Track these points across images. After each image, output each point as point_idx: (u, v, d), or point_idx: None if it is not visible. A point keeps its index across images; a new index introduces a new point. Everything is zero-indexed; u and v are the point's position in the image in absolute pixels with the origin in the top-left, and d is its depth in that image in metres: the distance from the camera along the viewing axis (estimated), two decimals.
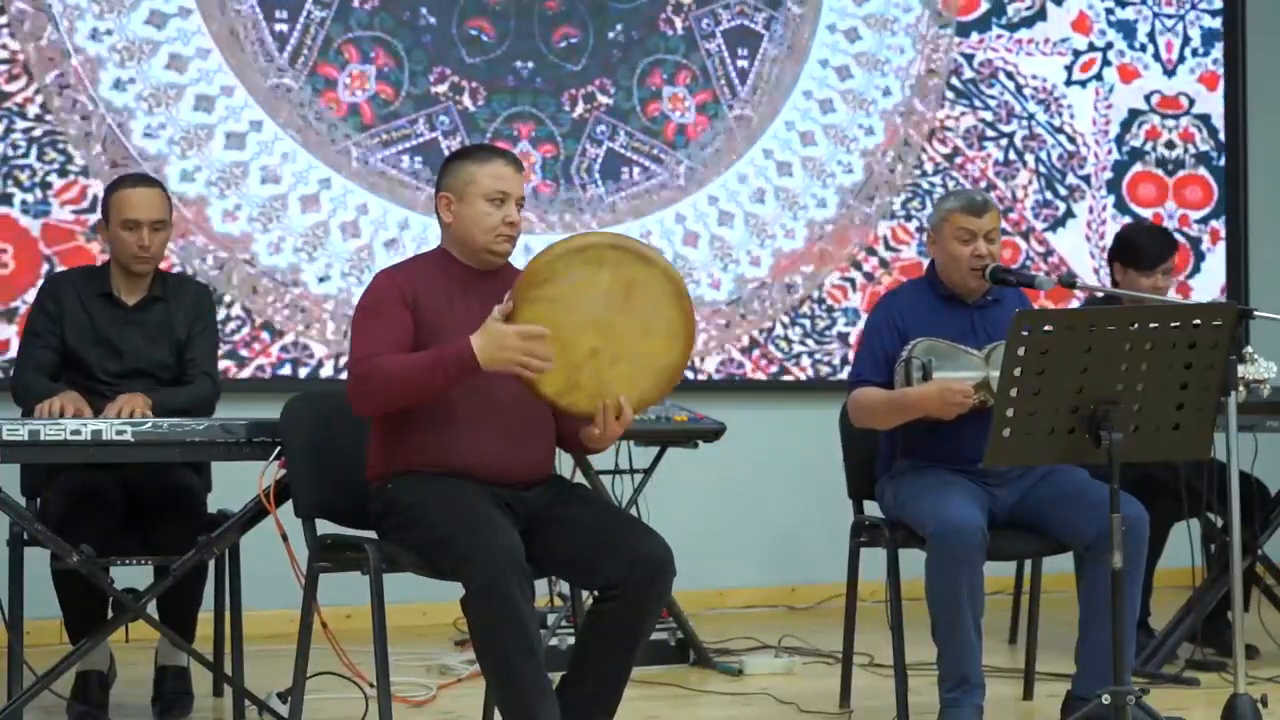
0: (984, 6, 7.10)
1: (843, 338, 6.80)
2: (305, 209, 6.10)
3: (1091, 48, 7.29)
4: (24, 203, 5.77)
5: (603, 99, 6.49)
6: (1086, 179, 7.24)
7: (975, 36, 7.08)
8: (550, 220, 6.40)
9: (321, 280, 6.10)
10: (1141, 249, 5.12)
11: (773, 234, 6.75)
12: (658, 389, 3.56)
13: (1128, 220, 7.18)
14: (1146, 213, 7.30)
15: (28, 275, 5.71)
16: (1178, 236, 6.88)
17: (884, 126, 6.93)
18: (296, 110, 6.08)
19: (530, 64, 6.41)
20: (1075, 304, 6.52)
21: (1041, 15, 7.20)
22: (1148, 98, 7.37)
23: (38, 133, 5.77)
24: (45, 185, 5.78)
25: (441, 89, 6.29)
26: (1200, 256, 7.45)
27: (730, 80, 6.69)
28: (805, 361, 6.76)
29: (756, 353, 6.70)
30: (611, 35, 6.53)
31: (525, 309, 3.44)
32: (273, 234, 6.06)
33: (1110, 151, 7.29)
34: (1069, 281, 4.28)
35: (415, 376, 3.47)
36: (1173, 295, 7.12)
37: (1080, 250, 7.20)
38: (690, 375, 6.52)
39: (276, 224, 6.06)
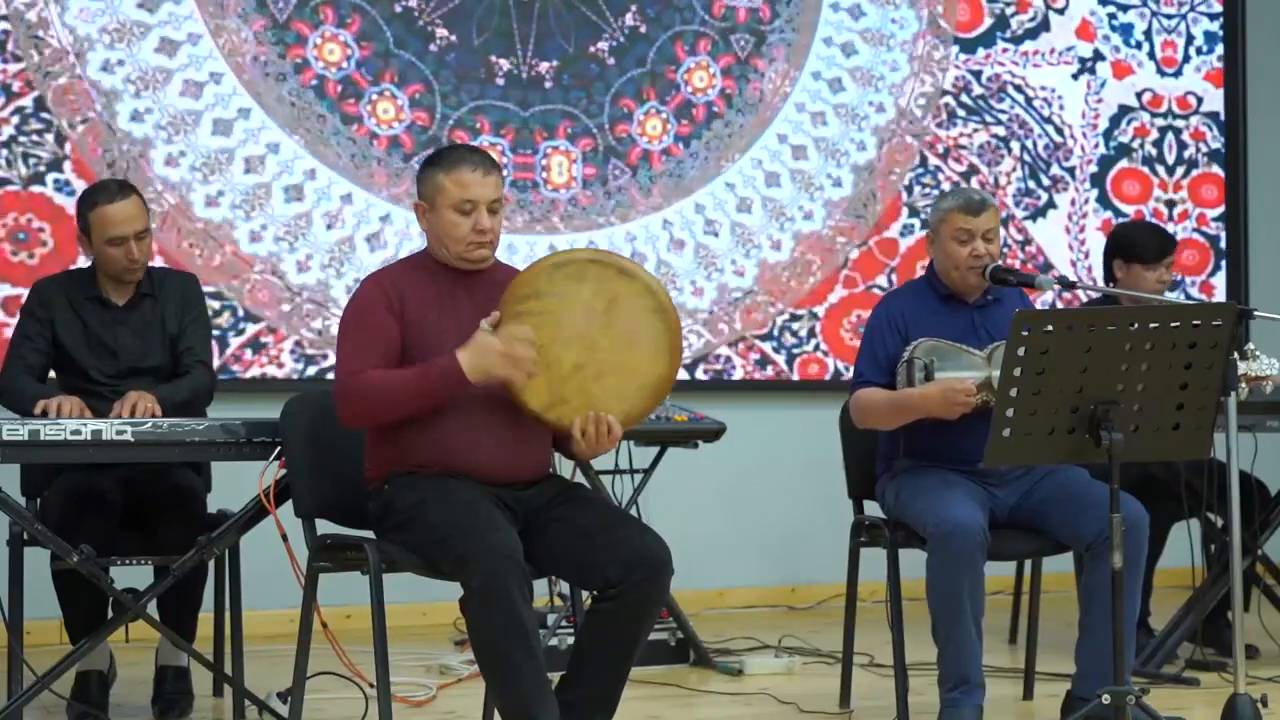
0: (987, 22, 7.10)
1: (814, 314, 6.80)
2: (331, 225, 6.12)
3: (1096, 55, 7.29)
4: (56, 181, 5.78)
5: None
6: (1071, 171, 7.24)
7: (981, 52, 7.09)
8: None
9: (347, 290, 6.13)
10: (1145, 243, 5.16)
11: (792, 215, 6.78)
12: (644, 404, 3.57)
13: (1108, 215, 7.21)
14: (1128, 209, 7.30)
15: (67, 253, 5.71)
16: (1197, 236, 6.91)
17: (893, 102, 6.95)
18: (321, 136, 6.11)
19: (554, 61, 6.42)
20: (1048, 295, 6.53)
21: (1045, 26, 7.21)
22: (1139, 95, 7.37)
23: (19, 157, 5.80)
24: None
25: (473, 103, 6.31)
26: (1220, 255, 7.46)
27: (754, 29, 6.73)
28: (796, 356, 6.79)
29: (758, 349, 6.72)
30: (628, 15, 6.55)
31: (509, 324, 3.48)
32: (299, 252, 6.07)
33: (1097, 145, 7.29)
34: (1069, 282, 4.28)
35: (402, 393, 3.48)
36: (1198, 296, 7.19)
37: (1059, 241, 7.19)
38: (690, 375, 6.53)
39: (303, 241, 6.07)
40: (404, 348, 3.57)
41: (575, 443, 3.54)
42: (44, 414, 3.97)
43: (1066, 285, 4.30)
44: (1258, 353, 4.21)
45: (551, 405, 3.51)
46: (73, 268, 5.03)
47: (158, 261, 5.42)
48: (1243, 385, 4.00)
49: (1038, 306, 5.06)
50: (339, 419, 3.56)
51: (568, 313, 3.50)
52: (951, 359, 4.09)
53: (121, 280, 4.37)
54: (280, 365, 6.04)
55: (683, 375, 6.42)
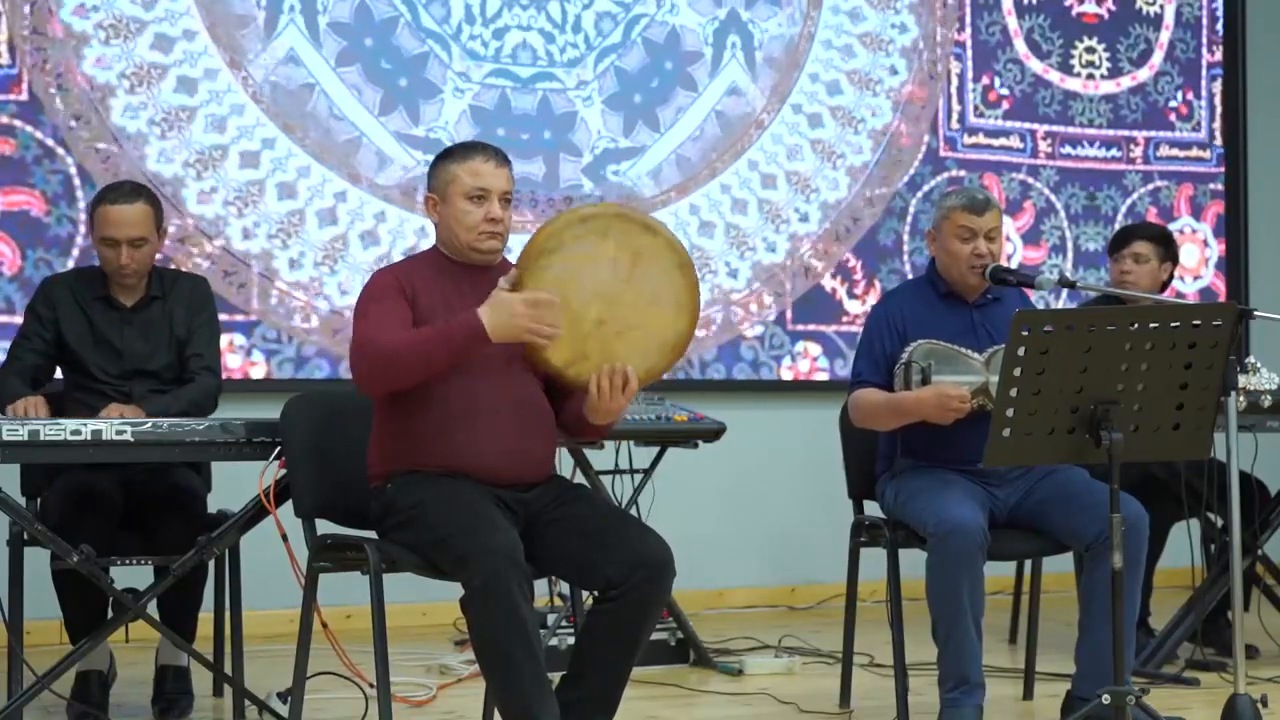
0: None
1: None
2: (322, 224, 6.12)
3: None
4: None
5: None
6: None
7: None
8: None
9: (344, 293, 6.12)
10: (1113, 237, 5.23)
11: (786, 218, 6.80)
12: (665, 360, 3.55)
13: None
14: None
15: None
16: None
17: (906, 65, 6.96)
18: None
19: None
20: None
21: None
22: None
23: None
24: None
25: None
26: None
27: None
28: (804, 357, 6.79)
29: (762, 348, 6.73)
30: None
31: (531, 279, 3.43)
32: (292, 250, 6.07)
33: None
34: (1069, 282, 4.28)
35: (422, 349, 3.44)
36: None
37: None
38: (690, 374, 6.53)
39: (296, 238, 6.07)
40: None
41: (590, 399, 3.51)
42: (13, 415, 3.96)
43: (1067, 285, 4.28)
44: (1259, 366, 4.21)
45: (572, 362, 3.47)
46: (84, 265, 5.02)
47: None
48: (1240, 398, 3.99)
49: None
50: (358, 385, 3.54)
51: (591, 268, 3.46)
52: (949, 362, 4.09)
53: (116, 281, 4.37)
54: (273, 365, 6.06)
55: (685, 374, 6.45)
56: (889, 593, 4.22)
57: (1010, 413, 3.53)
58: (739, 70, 6.69)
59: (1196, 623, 4.87)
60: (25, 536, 4.06)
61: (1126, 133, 7.38)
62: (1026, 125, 7.19)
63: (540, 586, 4.37)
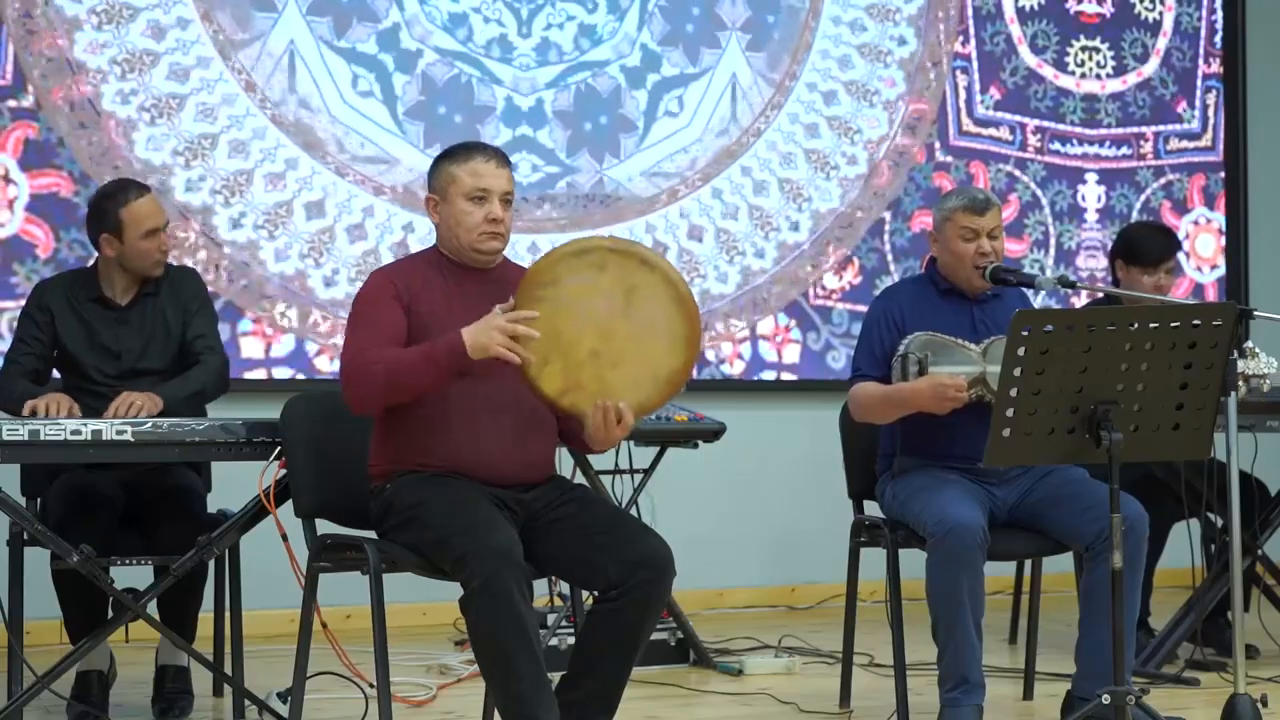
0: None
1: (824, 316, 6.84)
2: (310, 215, 6.12)
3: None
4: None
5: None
6: None
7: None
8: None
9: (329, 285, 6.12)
10: (1144, 247, 5.12)
11: (809, 196, 6.80)
12: (660, 394, 3.56)
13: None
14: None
15: None
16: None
17: (905, 77, 6.96)
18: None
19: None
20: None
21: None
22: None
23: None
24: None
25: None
26: None
27: None
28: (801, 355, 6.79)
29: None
30: None
31: (526, 310, 3.45)
32: (279, 240, 6.07)
33: None
34: (1070, 282, 4.28)
35: (407, 371, 3.46)
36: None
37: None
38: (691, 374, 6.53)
39: (283, 230, 6.07)
40: (410, 341, 3.56)
41: (586, 431, 3.53)
42: (33, 414, 3.97)
43: (1067, 285, 4.29)
44: (1256, 350, 4.21)
45: (566, 391, 3.49)
46: (75, 269, 5.01)
47: None
48: (1241, 384, 3.99)
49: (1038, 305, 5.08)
50: (348, 405, 3.55)
51: (587, 300, 3.47)
52: (946, 353, 4.09)
53: (152, 274, 4.38)
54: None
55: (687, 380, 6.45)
56: (889, 593, 4.21)
57: (1010, 413, 3.53)
58: (740, 63, 6.70)
59: (1196, 623, 4.87)
60: (25, 536, 4.05)
61: (1136, 129, 7.37)
62: (1017, 118, 7.18)
63: (540, 586, 4.37)
